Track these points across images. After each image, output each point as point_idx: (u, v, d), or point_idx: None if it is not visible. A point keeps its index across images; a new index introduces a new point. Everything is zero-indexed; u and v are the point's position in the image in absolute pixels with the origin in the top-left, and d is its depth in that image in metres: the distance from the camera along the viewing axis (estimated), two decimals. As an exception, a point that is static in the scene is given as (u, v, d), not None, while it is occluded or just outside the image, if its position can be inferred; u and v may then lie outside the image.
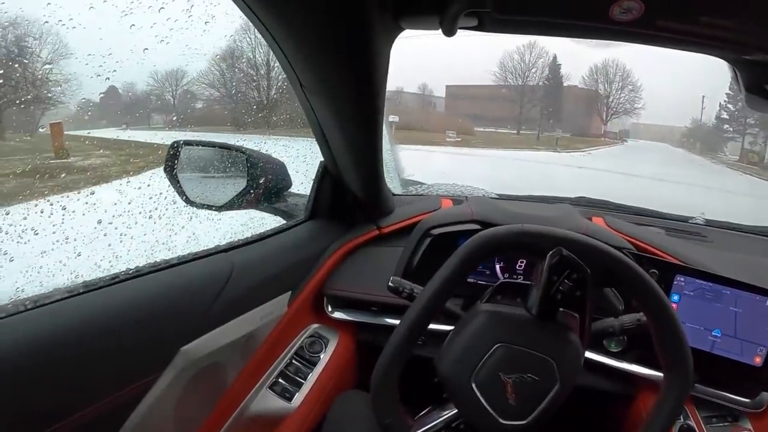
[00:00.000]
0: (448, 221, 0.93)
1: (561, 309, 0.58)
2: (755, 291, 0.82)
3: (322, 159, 0.99)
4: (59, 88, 1.36)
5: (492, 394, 0.57)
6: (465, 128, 11.39)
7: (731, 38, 0.55)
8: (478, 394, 0.57)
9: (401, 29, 0.62)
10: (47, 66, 1.31)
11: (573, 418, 0.91)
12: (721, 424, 0.85)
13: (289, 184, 1.10)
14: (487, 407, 0.57)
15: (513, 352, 0.58)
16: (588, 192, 1.25)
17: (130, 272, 0.67)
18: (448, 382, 0.60)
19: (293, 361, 0.93)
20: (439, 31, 0.56)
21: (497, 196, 1.23)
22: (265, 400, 0.89)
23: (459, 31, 0.56)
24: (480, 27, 0.57)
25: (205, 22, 0.86)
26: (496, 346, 0.58)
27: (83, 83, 1.30)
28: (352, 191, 0.99)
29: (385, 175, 1.01)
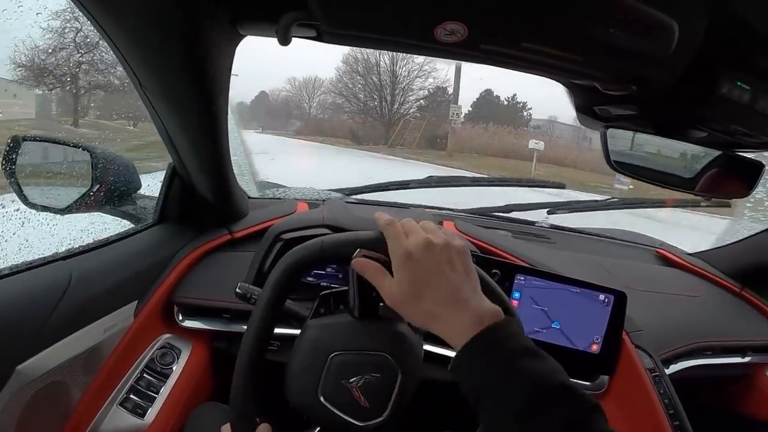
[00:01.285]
0: (298, 226, 0.90)
1: (381, 304, 0.57)
2: (588, 287, 0.86)
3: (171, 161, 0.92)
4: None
5: (342, 402, 0.57)
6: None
7: (555, 65, 0.57)
8: (330, 406, 0.57)
9: (241, 35, 0.61)
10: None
11: (432, 409, 0.94)
12: (566, 407, 0.90)
13: (138, 186, 1.01)
14: (343, 416, 0.58)
15: (348, 358, 0.58)
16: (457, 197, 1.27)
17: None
18: (299, 404, 0.60)
19: (144, 374, 0.89)
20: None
21: (356, 201, 1.22)
22: (116, 419, 0.84)
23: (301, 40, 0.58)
24: (318, 38, 0.57)
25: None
26: (331, 356, 0.58)
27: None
28: (203, 195, 0.92)
29: (240, 178, 0.95)
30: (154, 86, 0.67)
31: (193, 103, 0.68)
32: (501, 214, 1.26)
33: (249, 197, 1.10)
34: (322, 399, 0.57)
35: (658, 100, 0.64)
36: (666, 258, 1.28)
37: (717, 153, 0.76)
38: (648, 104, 0.67)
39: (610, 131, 0.70)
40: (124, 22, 0.53)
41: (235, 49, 0.64)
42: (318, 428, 0.65)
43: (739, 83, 0.57)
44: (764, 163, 0.75)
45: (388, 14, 0.50)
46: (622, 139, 0.74)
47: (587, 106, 0.73)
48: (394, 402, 0.59)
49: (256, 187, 1.14)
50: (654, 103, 0.66)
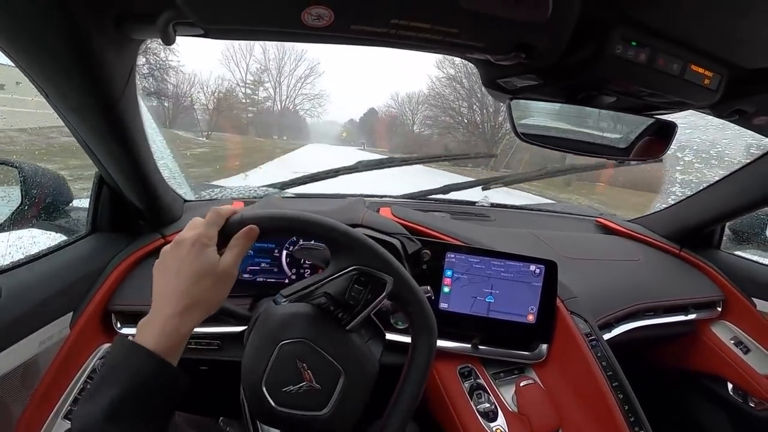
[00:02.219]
0: None
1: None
2: (519, 259, 0.87)
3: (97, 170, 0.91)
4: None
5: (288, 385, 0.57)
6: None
7: (432, 39, 0.56)
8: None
9: (132, 39, 0.60)
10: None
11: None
12: (510, 377, 0.93)
13: (69, 198, 1.00)
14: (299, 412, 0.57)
15: (305, 347, 0.58)
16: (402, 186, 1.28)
17: None
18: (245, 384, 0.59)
19: (87, 385, 0.88)
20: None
21: (293, 195, 1.22)
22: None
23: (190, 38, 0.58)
24: (205, 35, 0.57)
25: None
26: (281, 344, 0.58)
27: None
28: (132, 201, 0.91)
29: (173, 181, 0.94)
30: (57, 97, 0.65)
31: (96, 110, 0.67)
32: (441, 196, 1.28)
33: (185, 200, 1.09)
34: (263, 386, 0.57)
35: (556, 68, 0.66)
36: (605, 226, 1.32)
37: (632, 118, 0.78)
38: (547, 73, 0.68)
39: (515, 103, 0.71)
40: (14, 33, 0.52)
41: (135, 53, 0.63)
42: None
43: (633, 43, 0.59)
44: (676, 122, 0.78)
45: (254, 5, 0.49)
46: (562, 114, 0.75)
47: (491, 79, 0.74)
48: (338, 398, 0.58)
49: (192, 190, 1.13)
50: (554, 71, 0.67)
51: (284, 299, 0.59)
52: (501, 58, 0.63)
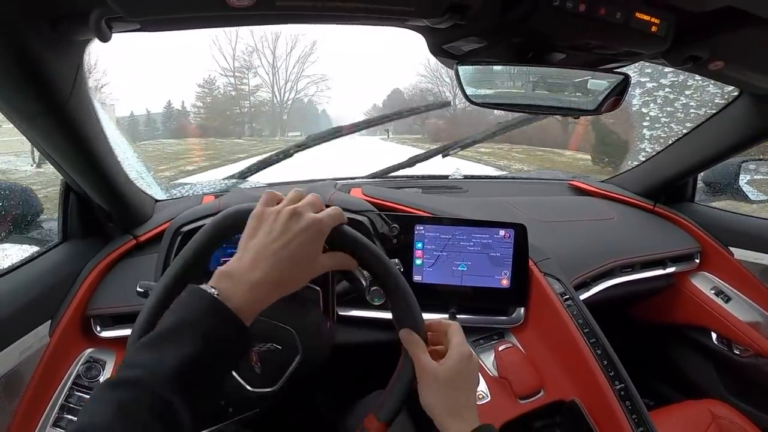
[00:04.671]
0: (196, 217, 0.89)
1: None
2: (488, 225, 0.88)
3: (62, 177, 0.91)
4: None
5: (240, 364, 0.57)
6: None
7: (362, 8, 0.55)
8: None
9: (71, 40, 0.59)
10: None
11: (362, 371, 0.96)
12: (489, 343, 0.94)
13: (39, 209, 1.00)
14: (237, 377, 0.58)
15: (259, 324, 0.56)
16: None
17: None
18: None
19: (74, 392, 0.88)
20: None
21: (265, 185, 1.22)
22: (53, 440, 0.85)
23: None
24: (141, 29, 0.57)
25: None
26: None
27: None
28: (101, 205, 0.92)
29: (141, 182, 0.94)
30: (6, 105, 0.65)
31: (46, 114, 0.66)
32: (412, 172, 1.28)
33: (157, 200, 1.09)
34: None
35: (497, 28, 0.65)
36: (578, 188, 1.32)
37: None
38: (490, 33, 0.68)
39: (462, 68, 0.71)
40: None
41: (79, 53, 0.63)
42: None
43: None
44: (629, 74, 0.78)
45: None
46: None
47: (437, 46, 0.74)
48: (289, 376, 0.60)
49: (162, 189, 1.13)
50: (496, 31, 0.67)
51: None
52: (437, 21, 0.62)
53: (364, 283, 0.67)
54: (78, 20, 0.54)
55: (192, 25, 0.62)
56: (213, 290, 0.42)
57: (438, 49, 0.74)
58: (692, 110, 1.21)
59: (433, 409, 0.52)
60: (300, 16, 0.57)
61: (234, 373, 0.59)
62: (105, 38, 0.55)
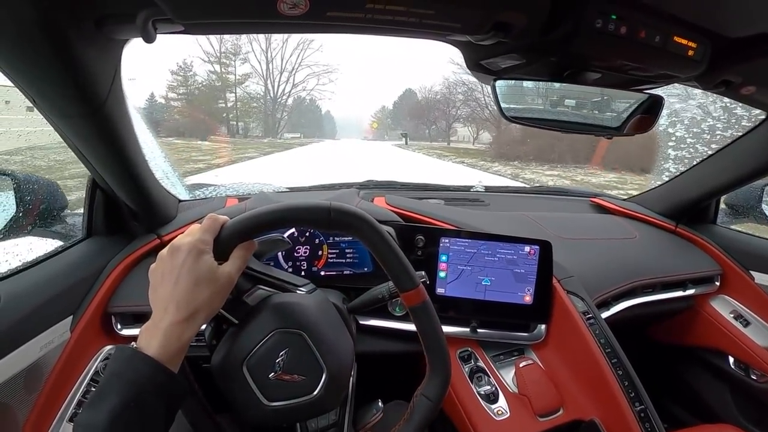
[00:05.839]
0: None
1: None
2: (513, 241, 0.87)
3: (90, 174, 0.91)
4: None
5: (260, 376, 0.57)
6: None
7: (410, 22, 0.56)
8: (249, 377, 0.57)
9: (114, 40, 0.60)
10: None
11: (379, 381, 0.96)
12: (509, 359, 0.94)
13: (64, 204, 1.01)
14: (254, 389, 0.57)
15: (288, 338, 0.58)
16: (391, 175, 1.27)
17: None
18: (219, 368, 0.59)
19: (91, 388, 0.88)
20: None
21: (287, 189, 1.22)
22: (70, 435, 0.85)
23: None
24: (186, 31, 0.57)
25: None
26: (274, 331, 0.58)
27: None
28: (127, 203, 0.92)
29: (166, 182, 0.94)
30: (43, 102, 0.65)
31: (83, 113, 0.67)
32: (435, 183, 1.28)
33: (180, 200, 1.10)
34: (245, 369, 0.57)
35: (537, 46, 0.66)
36: (601, 206, 1.32)
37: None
38: (530, 51, 0.68)
39: (499, 83, 0.71)
40: None
41: (118, 54, 0.63)
42: None
43: (613, 16, 0.59)
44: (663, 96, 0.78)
45: None
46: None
47: (474, 61, 0.74)
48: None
49: (186, 190, 1.13)
50: (536, 49, 0.67)
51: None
52: (480, 38, 0.63)
53: (385, 295, 0.67)
54: (125, 20, 0.54)
55: (237, 30, 0.63)
56: (133, 343, 0.48)
57: (475, 65, 0.75)
58: (718, 132, 1.20)
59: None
60: (348, 27, 0.57)
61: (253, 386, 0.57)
62: (150, 39, 0.55)
